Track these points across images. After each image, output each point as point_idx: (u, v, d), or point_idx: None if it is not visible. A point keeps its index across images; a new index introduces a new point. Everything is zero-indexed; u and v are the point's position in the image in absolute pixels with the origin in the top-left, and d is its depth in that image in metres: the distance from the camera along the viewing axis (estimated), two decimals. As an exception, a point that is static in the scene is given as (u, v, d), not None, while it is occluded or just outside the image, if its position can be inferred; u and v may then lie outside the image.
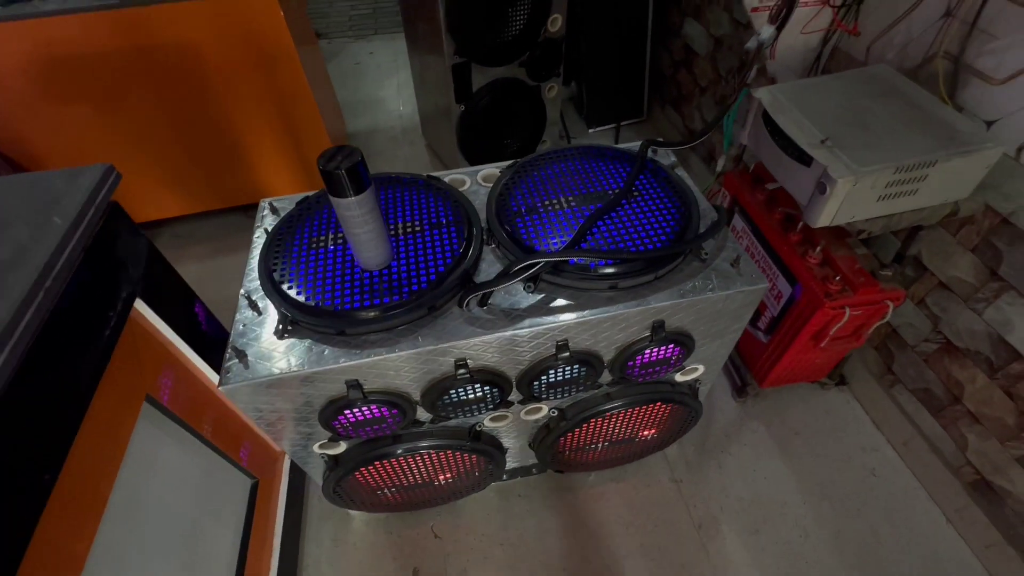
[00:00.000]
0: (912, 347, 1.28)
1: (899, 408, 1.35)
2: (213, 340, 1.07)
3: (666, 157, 1.08)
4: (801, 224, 1.21)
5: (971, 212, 1.03)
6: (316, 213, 0.95)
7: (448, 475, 1.13)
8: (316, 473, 1.06)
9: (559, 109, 2.17)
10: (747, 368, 1.48)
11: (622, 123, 2.51)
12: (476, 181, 1.06)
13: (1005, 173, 1.00)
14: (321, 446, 0.97)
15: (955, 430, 1.22)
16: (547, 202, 0.95)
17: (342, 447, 0.99)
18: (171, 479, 0.88)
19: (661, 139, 1.08)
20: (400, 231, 0.90)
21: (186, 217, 2.09)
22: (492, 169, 1.08)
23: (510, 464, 1.24)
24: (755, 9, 1.22)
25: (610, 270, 0.82)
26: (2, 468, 0.54)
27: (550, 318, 0.82)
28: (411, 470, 1.06)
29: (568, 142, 2.43)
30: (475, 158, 2.12)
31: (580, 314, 0.82)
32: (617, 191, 0.95)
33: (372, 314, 0.78)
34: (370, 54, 3.31)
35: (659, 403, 1.05)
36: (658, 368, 0.98)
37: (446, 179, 1.05)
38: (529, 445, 1.17)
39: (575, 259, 0.82)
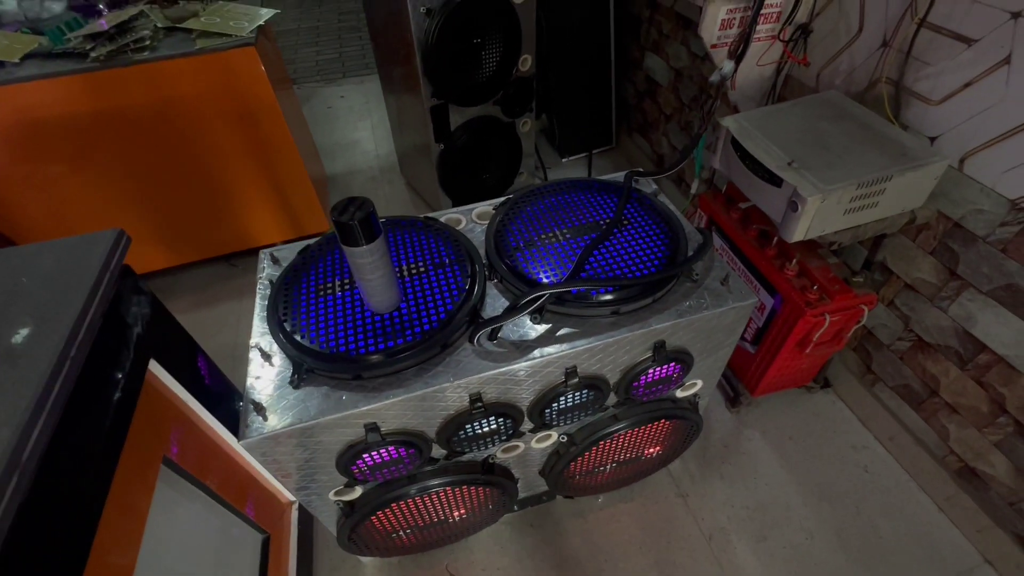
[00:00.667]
0: (888, 346, 1.37)
1: (882, 405, 1.43)
2: (216, 393, 1.06)
3: (647, 185, 1.15)
4: (776, 239, 1.29)
5: (927, 219, 1.13)
6: (320, 260, 0.97)
7: (462, 510, 1.13)
8: (330, 521, 1.05)
9: (534, 142, 2.26)
10: (738, 379, 1.53)
11: (593, 151, 2.62)
12: (471, 219, 1.11)
13: (952, 182, 1.10)
14: (336, 493, 0.96)
15: (936, 422, 1.29)
16: (543, 236, 1.00)
17: (357, 492, 0.99)
18: (189, 541, 0.86)
19: (641, 169, 1.15)
20: (405, 272, 0.93)
21: (168, 270, 2.07)
22: (486, 207, 1.12)
23: (521, 494, 1.25)
24: (714, 46, 1.32)
25: (611, 297, 0.87)
26: (34, 552, 0.54)
27: (558, 347, 0.86)
28: (426, 509, 1.06)
29: (544, 173, 2.51)
30: (456, 194, 2.18)
31: (586, 340, 0.86)
32: (608, 221, 1.01)
33: (386, 356, 0.80)
34: (341, 97, 3.37)
35: (663, 420, 1.09)
36: (661, 386, 1.02)
37: (442, 219, 1.09)
38: (540, 473, 1.18)
39: (577, 289, 0.87)
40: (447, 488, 1.01)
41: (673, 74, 2.03)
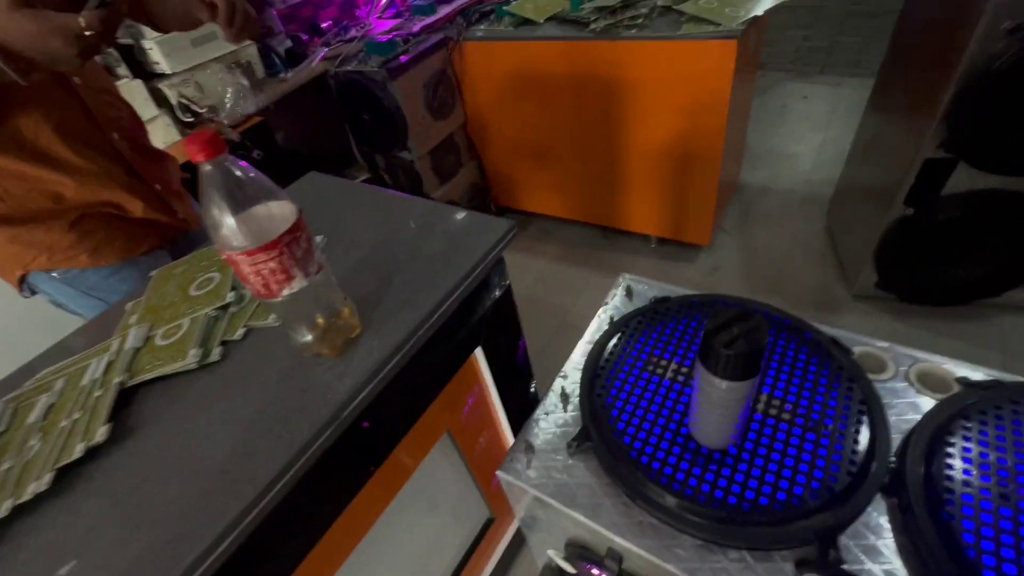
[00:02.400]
0: None
1: None
2: (519, 371, 1.09)
3: None
4: None
5: None
6: (670, 321, 0.81)
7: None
8: (539, 554, 0.99)
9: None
10: None
11: None
12: (905, 373, 0.71)
13: None
14: (555, 553, 0.88)
15: None
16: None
17: (572, 569, 0.88)
18: (438, 487, 0.95)
19: None
20: (763, 405, 0.67)
21: (556, 217, 2.31)
22: (943, 366, 0.70)
23: None
24: None
25: None
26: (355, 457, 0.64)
27: None
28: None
29: (1069, 299, 1.55)
30: (891, 275, 1.59)
31: None
32: None
33: (668, 501, 0.60)
34: (804, 98, 2.89)
35: None
36: None
37: (856, 350, 0.74)
38: None
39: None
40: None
41: None
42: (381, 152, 2.07)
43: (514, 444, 0.75)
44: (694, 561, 0.59)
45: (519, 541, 1.29)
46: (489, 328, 0.86)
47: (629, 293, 0.94)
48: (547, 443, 0.74)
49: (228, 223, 0.53)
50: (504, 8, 1.83)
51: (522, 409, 1.06)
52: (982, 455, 0.58)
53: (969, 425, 0.61)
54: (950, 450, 0.59)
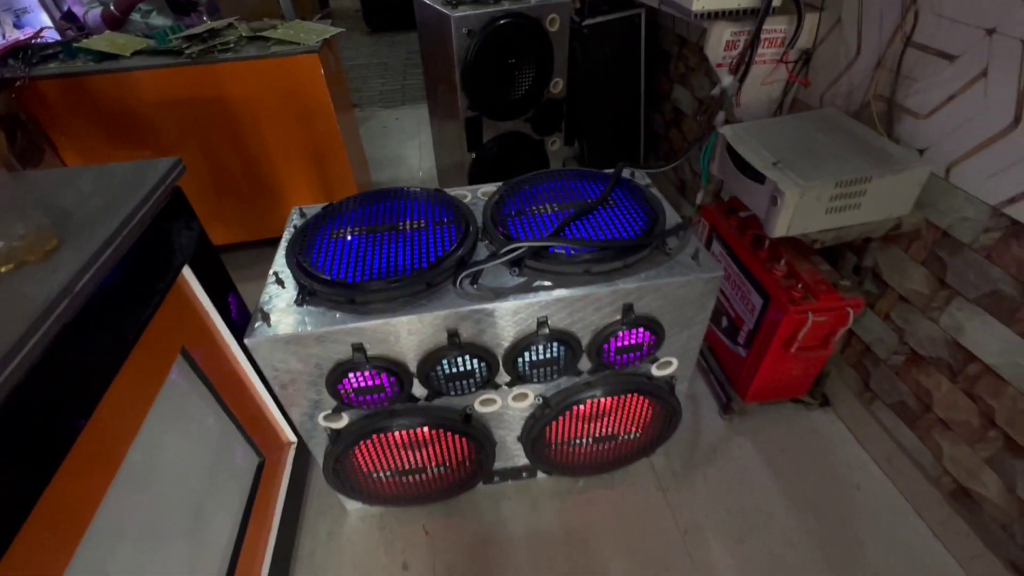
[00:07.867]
0: (884, 361, 1.35)
1: (879, 424, 1.40)
2: (240, 329, 1.21)
3: (643, 179, 1.24)
4: (768, 242, 1.34)
5: (913, 226, 1.16)
6: (339, 214, 1.12)
7: (440, 462, 1.20)
8: (319, 451, 1.15)
9: (561, 160, 2.41)
10: (731, 385, 1.54)
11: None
12: (477, 196, 1.24)
13: (938, 192, 1.13)
14: (326, 417, 1.07)
15: (930, 439, 1.26)
16: (535, 207, 1.11)
17: (344, 420, 1.09)
18: (190, 436, 0.99)
19: (629, 163, 1.25)
20: (408, 227, 1.06)
21: (223, 246, 2.31)
22: (491, 187, 1.25)
23: (500, 464, 1.31)
24: (719, 64, 1.44)
25: (584, 256, 0.96)
26: (43, 405, 0.64)
27: (531, 295, 0.95)
28: (405, 450, 1.14)
29: (571, 192, 2.65)
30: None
31: (557, 292, 0.95)
32: (596, 199, 1.11)
33: (378, 285, 0.92)
34: (396, 119, 3.69)
35: (637, 394, 1.14)
36: (632, 354, 1.08)
37: (451, 193, 1.22)
38: (518, 438, 1.24)
39: (553, 248, 0.96)
40: (425, 428, 1.09)
41: (697, 104, 2.15)
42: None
43: (252, 320, 0.92)
44: (397, 315, 0.92)
45: (298, 490, 1.36)
46: (194, 257, 0.98)
47: (303, 215, 1.21)
48: (279, 310, 0.94)
49: None
50: (75, 45, 1.76)
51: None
52: (515, 202, 1.12)
53: (507, 195, 1.14)
54: (499, 207, 1.10)
